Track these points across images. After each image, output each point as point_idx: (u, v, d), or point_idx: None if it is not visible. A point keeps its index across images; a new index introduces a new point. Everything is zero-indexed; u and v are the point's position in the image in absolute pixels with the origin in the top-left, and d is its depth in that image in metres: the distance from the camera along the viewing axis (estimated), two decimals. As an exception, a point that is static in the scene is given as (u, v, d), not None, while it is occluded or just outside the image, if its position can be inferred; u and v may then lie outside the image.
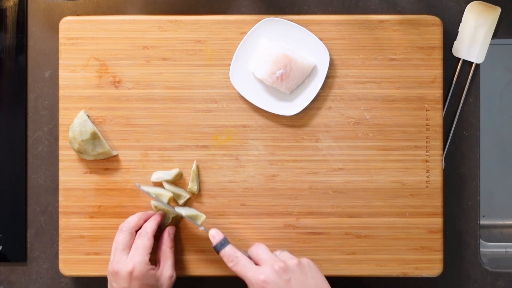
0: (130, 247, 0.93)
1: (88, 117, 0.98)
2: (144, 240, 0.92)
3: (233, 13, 1.03)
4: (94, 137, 0.97)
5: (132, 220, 0.95)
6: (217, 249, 0.91)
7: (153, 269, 0.92)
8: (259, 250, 0.90)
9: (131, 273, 0.90)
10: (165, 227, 0.98)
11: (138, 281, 0.90)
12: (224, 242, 0.91)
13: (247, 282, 0.87)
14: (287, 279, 0.86)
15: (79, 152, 0.98)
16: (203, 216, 0.97)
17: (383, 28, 0.99)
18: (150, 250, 0.92)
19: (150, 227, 0.94)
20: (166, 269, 0.94)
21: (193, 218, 0.97)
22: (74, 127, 0.97)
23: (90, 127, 0.97)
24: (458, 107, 1.03)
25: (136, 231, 0.95)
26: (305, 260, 0.89)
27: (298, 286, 0.86)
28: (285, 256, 0.90)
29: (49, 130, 1.03)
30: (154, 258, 0.96)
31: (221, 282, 1.03)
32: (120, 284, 0.90)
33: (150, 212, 0.98)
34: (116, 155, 0.99)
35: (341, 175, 0.99)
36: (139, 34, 0.99)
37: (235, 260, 0.89)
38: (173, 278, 0.94)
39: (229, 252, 0.90)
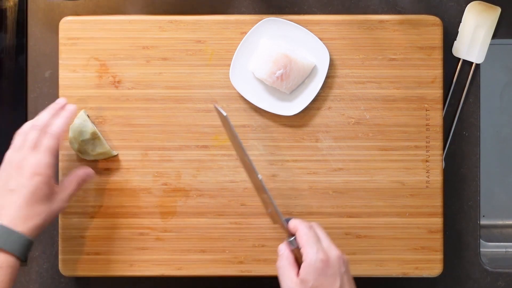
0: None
1: (88, 117, 0.98)
2: (52, 141, 0.88)
3: (233, 13, 1.03)
4: (94, 137, 0.97)
5: (43, 117, 0.90)
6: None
7: (54, 182, 0.89)
8: (320, 231, 0.86)
9: (35, 171, 0.86)
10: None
11: (39, 180, 0.86)
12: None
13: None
14: (344, 270, 0.83)
15: (79, 152, 0.97)
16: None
17: (383, 28, 0.99)
18: (56, 152, 0.89)
19: (60, 125, 0.90)
20: (63, 194, 0.90)
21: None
22: (74, 127, 0.97)
23: (90, 127, 0.97)
24: (458, 107, 1.03)
25: None
26: (346, 257, 0.85)
27: (348, 281, 0.83)
28: (328, 248, 0.84)
29: (49, 130, 1.03)
30: None
31: (221, 282, 1.03)
32: (20, 180, 0.86)
33: (58, 103, 0.93)
34: (116, 155, 0.99)
35: (341, 175, 0.99)
36: (139, 34, 0.99)
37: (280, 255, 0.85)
38: (65, 206, 0.90)
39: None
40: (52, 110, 0.92)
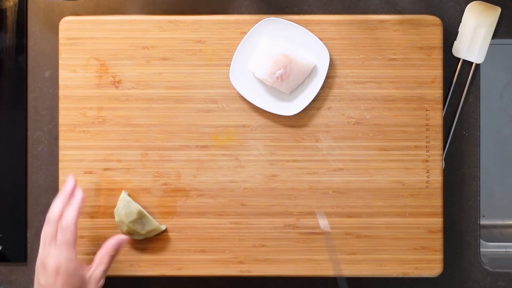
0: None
1: (129, 195, 0.98)
2: (67, 235, 0.88)
3: (233, 13, 1.03)
4: (141, 215, 0.96)
5: (56, 209, 0.90)
6: None
7: (82, 267, 0.90)
8: None
9: (57, 269, 0.87)
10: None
11: (63, 278, 0.87)
12: None
13: None
14: None
15: (129, 233, 0.97)
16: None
17: (383, 28, 0.99)
18: (74, 244, 0.89)
19: (71, 218, 0.89)
20: (97, 273, 0.91)
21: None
22: (119, 210, 0.96)
23: (135, 207, 0.96)
24: (458, 107, 1.03)
25: None
26: None
27: None
28: None
29: (49, 130, 1.03)
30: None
31: (220, 282, 1.03)
32: (47, 279, 0.87)
33: (68, 188, 0.92)
34: (165, 229, 0.99)
35: (341, 175, 0.99)
36: (139, 34, 0.99)
37: None
38: (101, 283, 0.92)
39: None
40: (63, 198, 0.92)
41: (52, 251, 0.89)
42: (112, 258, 0.93)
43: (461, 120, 1.03)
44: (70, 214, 0.90)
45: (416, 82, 0.99)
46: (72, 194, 0.93)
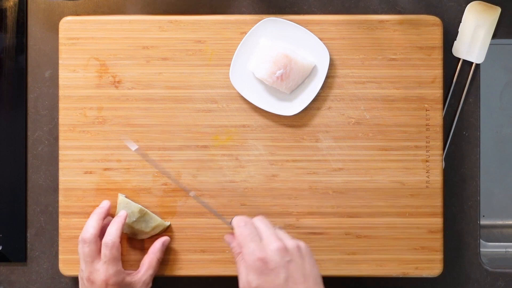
0: (99, 252, 0.92)
1: (126, 197, 0.98)
2: (113, 251, 0.91)
3: (233, 13, 1.03)
4: (143, 213, 0.96)
5: (92, 227, 0.93)
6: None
7: (129, 275, 0.93)
8: (260, 224, 0.86)
9: (106, 282, 0.90)
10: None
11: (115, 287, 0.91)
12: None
13: (243, 256, 0.83)
14: (288, 260, 0.81)
15: (134, 234, 0.97)
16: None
17: (383, 28, 0.99)
18: (120, 258, 0.92)
19: (115, 234, 0.92)
20: (146, 277, 0.94)
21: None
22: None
23: (135, 206, 0.96)
24: (458, 107, 1.03)
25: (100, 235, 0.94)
26: (302, 244, 0.84)
27: (297, 270, 0.81)
28: (283, 236, 0.84)
29: (49, 130, 1.03)
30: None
31: (220, 282, 1.03)
32: None
33: (104, 207, 0.96)
34: (169, 225, 0.99)
35: (341, 175, 0.99)
36: (139, 34, 0.99)
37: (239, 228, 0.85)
38: (149, 286, 0.95)
39: (238, 219, 0.87)
40: (98, 218, 0.94)
41: (99, 267, 0.91)
42: (159, 261, 0.96)
43: (461, 120, 1.03)
44: (115, 230, 0.93)
45: (416, 82, 0.99)
46: (105, 214, 0.96)
